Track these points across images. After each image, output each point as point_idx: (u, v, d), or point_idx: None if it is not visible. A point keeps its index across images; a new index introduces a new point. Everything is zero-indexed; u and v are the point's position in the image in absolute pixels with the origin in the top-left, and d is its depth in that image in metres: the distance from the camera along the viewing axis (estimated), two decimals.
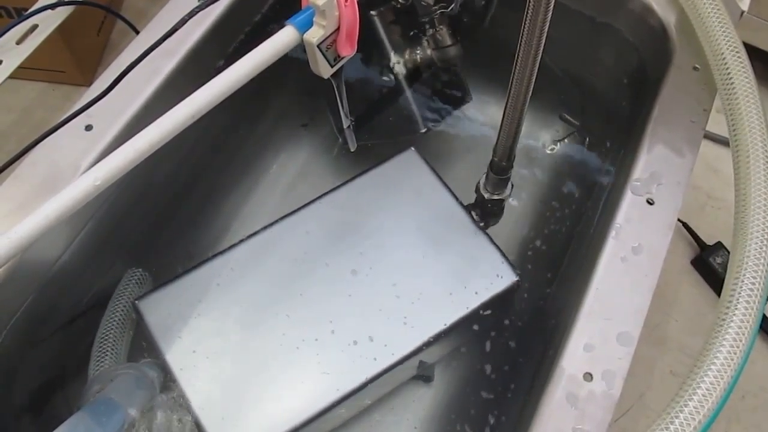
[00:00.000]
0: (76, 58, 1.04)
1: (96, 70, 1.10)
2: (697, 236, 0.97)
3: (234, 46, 0.74)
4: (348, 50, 0.53)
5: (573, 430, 0.50)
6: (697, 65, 0.67)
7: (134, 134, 0.47)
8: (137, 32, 0.68)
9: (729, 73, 0.62)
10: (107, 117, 0.62)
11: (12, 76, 0.71)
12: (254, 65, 0.50)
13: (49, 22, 0.74)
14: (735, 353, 0.49)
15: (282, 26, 0.50)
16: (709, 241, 0.96)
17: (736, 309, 0.51)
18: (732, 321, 0.50)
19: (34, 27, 0.73)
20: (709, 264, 0.94)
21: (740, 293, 0.51)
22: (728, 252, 0.94)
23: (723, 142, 1.03)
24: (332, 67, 0.54)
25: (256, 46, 0.50)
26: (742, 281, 0.52)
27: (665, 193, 0.60)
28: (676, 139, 0.63)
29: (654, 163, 0.61)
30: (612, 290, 0.55)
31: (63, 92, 1.08)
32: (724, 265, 0.93)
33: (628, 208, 0.59)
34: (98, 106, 0.58)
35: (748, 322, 0.50)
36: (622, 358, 0.53)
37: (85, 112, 0.58)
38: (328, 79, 0.55)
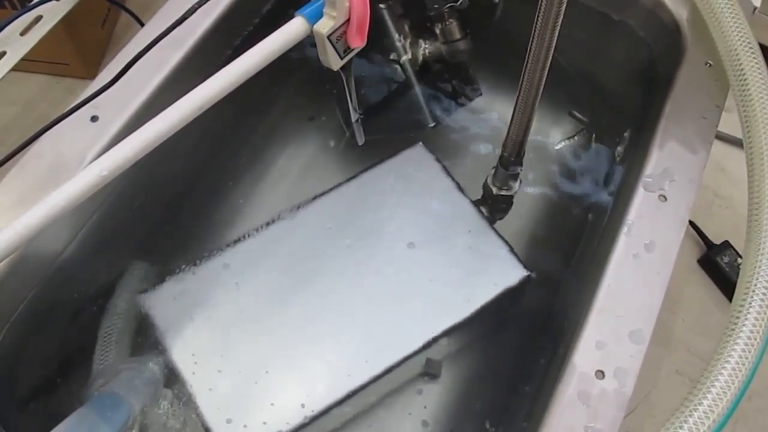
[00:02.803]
0: (80, 50, 1.04)
1: (100, 64, 1.09)
2: (704, 235, 0.96)
3: (242, 37, 0.74)
4: (358, 42, 0.52)
5: (585, 428, 0.49)
6: (709, 61, 0.66)
7: (140, 126, 0.46)
8: (142, 25, 0.68)
9: (742, 69, 0.61)
10: (113, 108, 0.61)
11: (15, 69, 0.70)
12: (263, 56, 0.49)
13: (53, 13, 0.73)
14: (748, 355, 0.48)
15: (291, 17, 0.50)
16: (716, 240, 0.96)
17: (749, 311, 0.50)
18: (746, 322, 0.49)
19: (39, 18, 0.73)
20: (716, 263, 0.94)
21: (754, 294, 0.50)
22: (735, 251, 0.94)
23: (730, 140, 1.02)
24: (342, 59, 0.53)
25: (264, 37, 0.49)
26: (757, 281, 0.51)
27: (678, 190, 0.59)
28: (689, 136, 0.62)
29: (666, 159, 0.61)
30: (624, 287, 0.55)
31: (66, 85, 1.07)
32: (732, 264, 0.93)
33: (641, 204, 0.58)
34: (104, 97, 0.57)
35: (761, 324, 0.49)
36: (634, 355, 0.52)
37: (91, 103, 0.57)
38: (337, 71, 0.55)
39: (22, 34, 0.72)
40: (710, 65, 0.66)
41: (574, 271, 0.71)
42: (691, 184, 0.60)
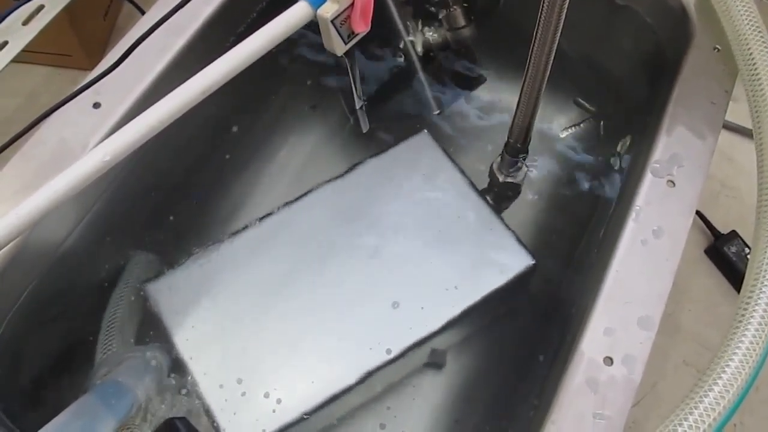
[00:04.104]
0: (83, 41, 1.03)
1: (102, 55, 1.08)
2: (711, 225, 0.95)
3: (245, 24, 0.73)
4: (362, 27, 0.52)
5: (594, 415, 0.49)
6: (717, 46, 0.66)
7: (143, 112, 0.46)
8: (144, 14, 0.67)
9: (751, 54, 0.60)
10: (115, 95, 0.61)
11: (18, 60, 0.70)
12: (267, 40, 0.49)
13: (55, 2, 0.73)
14: (757, 345, 0.48)
15: (295, 1, 0.49)
16: (723, 230, 0.95)
17: (759, 300, 0.49)
18: (755, 312, 0.49)
19: (41, 7, 0.72)
20: (723, 253, 0.93)
21: (764, 283, 0.50)
22: (743, 241, 0.93)
23: (737, 129, 1.02)
24: (346, 44, 0.53)
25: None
26: (766, 270, 0.50)
27: (686, 175, 0.59)
28: (697, 121, 0.62)
29: (674, 144, 0.60)
30: (632, 273, 0.54)
31: (69, 76, 1.07)
32: (739, 254, 0.92)
33: (649, 190, 0.58)
34: (106, 83, 0.57)
35: None
36: (643, 342, 0.51)
37: (93, 90, 0.57)
38: (341, 58, 0.54)
39: (24, 23, 0.71)
40: (718, 50, 0.66)
41: (582, 258, 0.71)
42: (700, 170, 0.59)
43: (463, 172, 0.72)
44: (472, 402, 0.68)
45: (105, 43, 1.10)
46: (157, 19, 0.56)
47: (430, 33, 0.74)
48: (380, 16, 0.69)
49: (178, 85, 0.46)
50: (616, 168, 0.77)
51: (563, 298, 0.69)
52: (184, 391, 0.62)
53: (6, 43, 0.70)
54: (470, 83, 0.79)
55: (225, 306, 0.66)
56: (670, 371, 0.86)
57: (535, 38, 0.53)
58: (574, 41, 0.73)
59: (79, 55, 1.05)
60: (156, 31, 0.57)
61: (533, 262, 0.67)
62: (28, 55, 1.01)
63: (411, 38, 0.74)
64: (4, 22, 0.70)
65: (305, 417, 0.61)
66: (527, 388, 0.65)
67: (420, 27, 0.74)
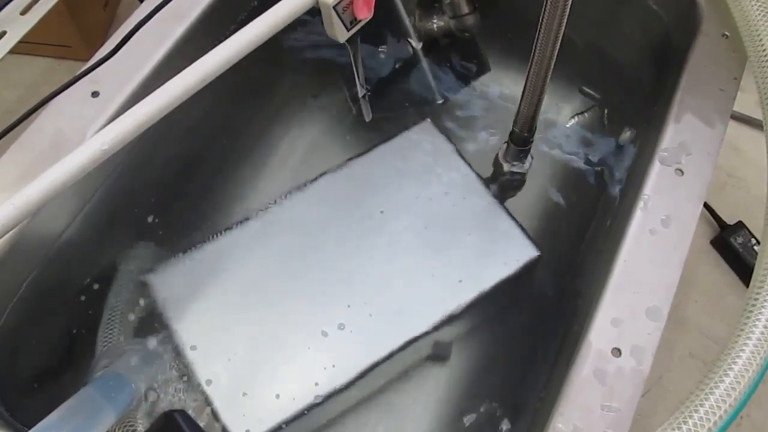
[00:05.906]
0: (82, 32, 1.03)
1: (102, 46, 1.08)
2: (718, 216, 0.95)
3: (246, 11, 0.73)
4: (365, 13, 0.51)
5: (601, 407, 0.48)
6: (726, 32, 0.65)
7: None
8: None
9: (761, 40, 0.59)
10: (114, 84, 0.60)
11: (17, 51, 0.69)
12: (268, 27, 0.48)
13: None
14: (767, 338, 0.47)
15: None
16: (730, 220, 0.94)
17: None
18: (765, 303, 0.48)
19: None
20: (730, 244, 0.92)
21: None
22: (750, 232, 0.92)
23: (744, 119, 1.01)
24: (348, 31, 0.52)
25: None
26: None
27: (695, 164, 0.58)
28: (705, 109, 0.61)
29: (682, 132, 0.60)
30: (641, 263, 0.54)
31: (68, 68, 1.06)
32: (746, 245, 0.91)
33: (657, 178, 0.57)
34: (105, 72, 0.56)
35: None
36: (652, 333, 0.51)
37: (92, 79, 0.57)
38: (344, 45, 0.54)
39: (23, 13, 0.71)
40: (727, 36, 0.65)
41: (588, 248, 0.70)
42: (709, 158, 0.59)
43: (467, 161, 0.72)
44: (477, 394, 0.68)
45: (105, 33, 1.10)
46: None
47: (434, 20, 0.73)
48: (383, 2, 0.68)
49: (178, 73, 0.46)
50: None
51: (569, 288, 0.68)
52: (184, 383, 0.62)
53: (4, 33, 0.69)
54: (474, 71, 0.79)
55: (226, 297, 0.66)
56: (676, 363, 0.85)
57: (541, 25, 0.53)
58: (580, 28, 0.72)
59: (79, 46, 1.04)
60: (155, 19, 0.57)
61: (538, 253, 0.66)
62: (28, 47, 1.01)
63: (414, 25, 0.73)
64: (3, 12, 0.69)
65: (307, 411, 0.61)
66: (534, 380, 0.64)
67: (424, 14, 0.73)
